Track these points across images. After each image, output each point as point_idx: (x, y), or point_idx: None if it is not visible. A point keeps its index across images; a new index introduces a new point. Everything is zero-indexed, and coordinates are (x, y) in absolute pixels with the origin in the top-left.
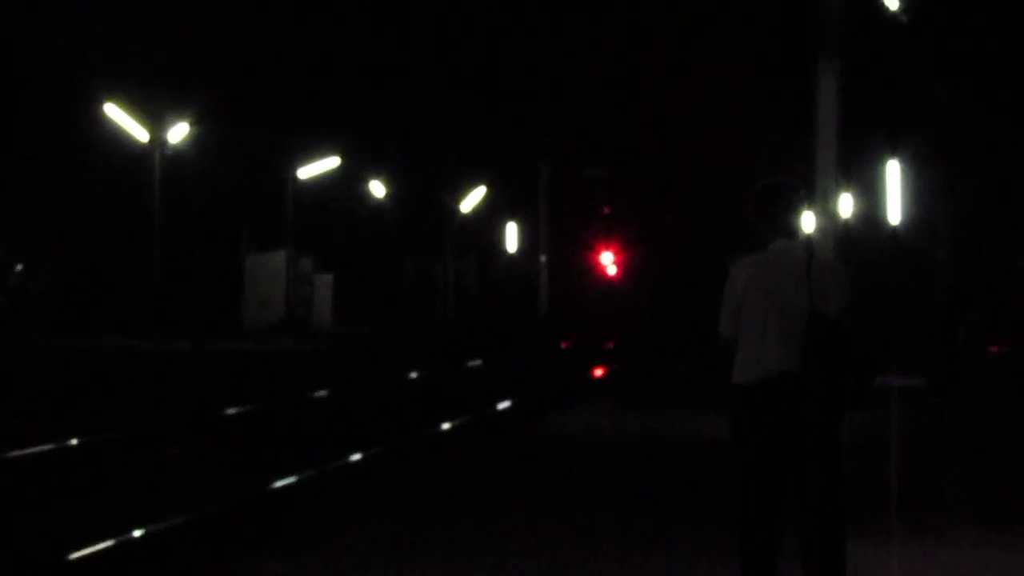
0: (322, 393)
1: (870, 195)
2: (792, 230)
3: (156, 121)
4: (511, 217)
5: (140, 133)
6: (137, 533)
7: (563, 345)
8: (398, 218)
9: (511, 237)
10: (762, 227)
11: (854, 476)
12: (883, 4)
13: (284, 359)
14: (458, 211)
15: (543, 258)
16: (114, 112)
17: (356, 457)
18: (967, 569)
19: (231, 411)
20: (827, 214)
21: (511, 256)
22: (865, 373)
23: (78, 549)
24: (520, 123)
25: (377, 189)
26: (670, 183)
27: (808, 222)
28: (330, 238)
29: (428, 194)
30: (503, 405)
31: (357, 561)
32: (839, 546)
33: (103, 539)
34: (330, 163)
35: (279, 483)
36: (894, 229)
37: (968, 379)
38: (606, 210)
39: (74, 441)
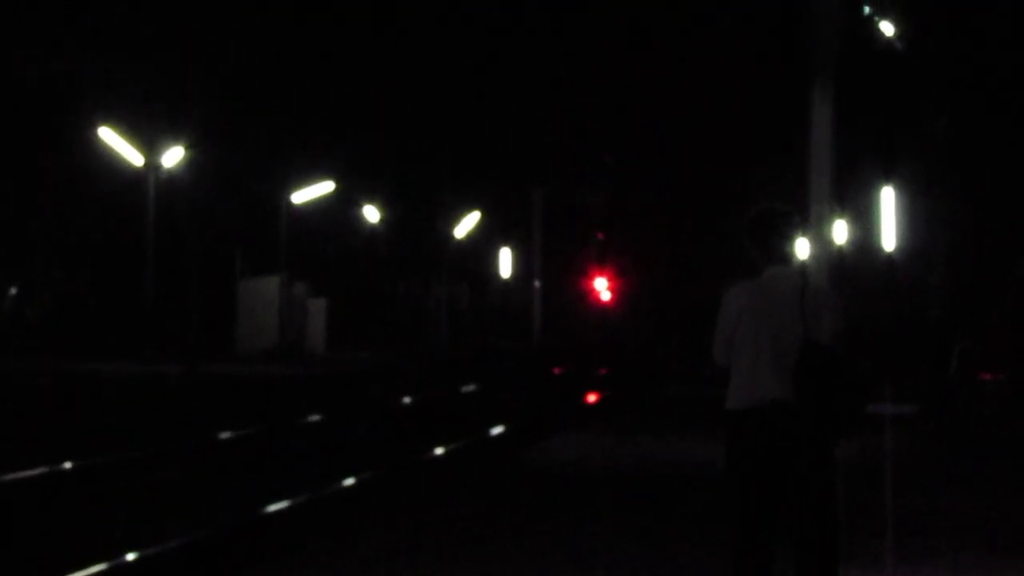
0: (315, 418)
1: (865, 222)
2: (786, 257)
3: (150, 145)
4: (505, 243)
5: (134, 157)
6: (131, 556)
7: (556, 371)
8: (392, 243)
9: (505, 263)
10: (756, 254)
11: (847, 502)
12: (878, 30)
13: (277, 384)
14: (452, 236)
15: (537, 284)
16: (108, 136)
17: (348, 482)
18: None
19: (224, 435)
20: (821, 241)
21: (505, 282)
22: (858, 400)
23: (71, 572)
24: (514, 148)
25: (371, 214)
26: (665, 208)
27: (802, 249)
28: (324, 263)
29: (422, 219)
30: (496, 431)
31: None
32: (833, 571)
33: (96, 562)
34: (324, 188)
35: (273, 506)
36: (889, 256)
37: (962, 406)
38: (600, 236)
39: (68, 464)
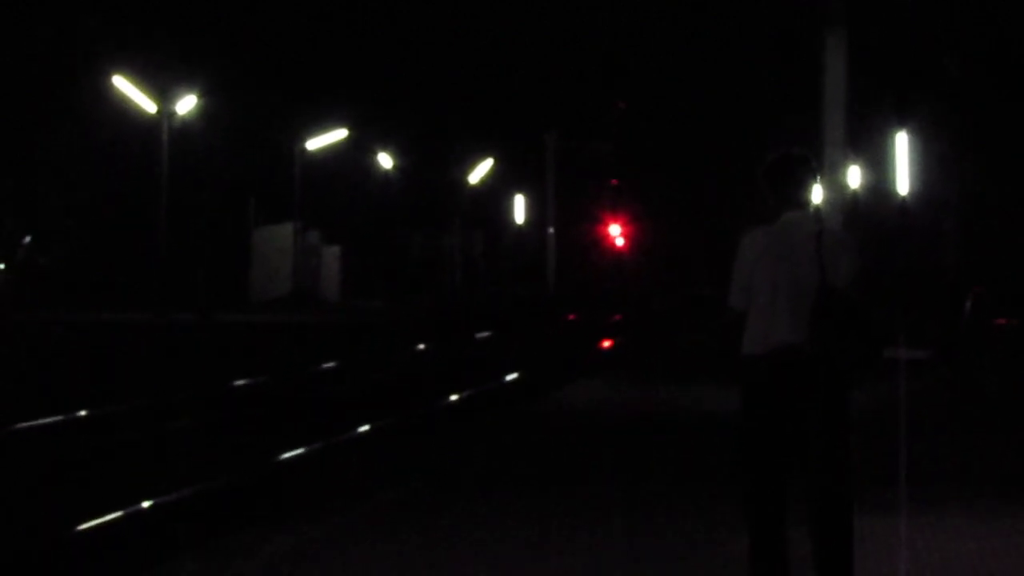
0: (329, 365)
1: (879, 166)
2: (802, 202)
3: (164, 93)
4: (519, 189)
5: (148, 105)
6: (145, 504)
7: (570, 317)
8: (406, 190)
9: (519, 209)
10: (772, 199)
11: (862, 448)
12: None
13: (291, 332)
14: (466, 183)
15: (550, 230)
16: (122, 84)
17: (363, 429)
18: (975, 540)
19: (238, 383)
20: (835, 185)
21: (518, 228)
22: (874, 345)
23: (86, 521)
24: (528, 95)
25: (385, 161)
26: (678, 154)
27: (816, 193)
28: (338, 211)
29: (436, 166)
30: (510, 377)
31: (362, 533)
32: (846, 517)
33: (111, 511)
34: (338, 135)
35: (286, 455)
36: (903, 200)
37: (975, 351)
38: (613, 182)
39: (82, 413)
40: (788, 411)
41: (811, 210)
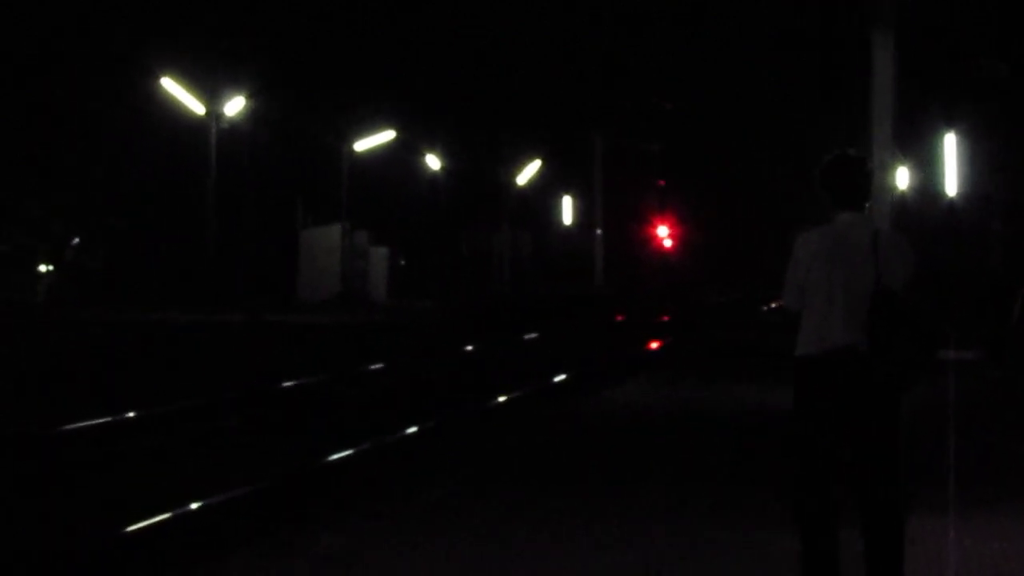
0: (377, 366)
1: (927, 167)
2: (858, 203)
3: (212, 94)
4: (566, 190)
5: (196, 106)
6: (194, 505)
7: (618, 318)
8: (453, 191)
9: (566, 210)
10: (827, 200)
11: (912, 449)
12: None
13: (339, 332)
14: (513, 184)
15: (598, 231)
16: (170, 86)
17: (411, 430)
18: None
19: (287, 384)
20: (884, 187)
21: (566, 229)
22: (926, 347)
23: (134, 522)
24: (575, 95)
25: (432, 162)
26: (724, 157)
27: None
28: (386, 212)
29: (483, 167)
30: (559, 378)
31: (409, 532)
32: (897, 518)
33: (160, 512)
34: (385, 136)
35: (335, 455)
36: (950, 201)
37: None
38: (661, 183)
39: (131, 414)
40: (841, 412)
41: (866, 212)
